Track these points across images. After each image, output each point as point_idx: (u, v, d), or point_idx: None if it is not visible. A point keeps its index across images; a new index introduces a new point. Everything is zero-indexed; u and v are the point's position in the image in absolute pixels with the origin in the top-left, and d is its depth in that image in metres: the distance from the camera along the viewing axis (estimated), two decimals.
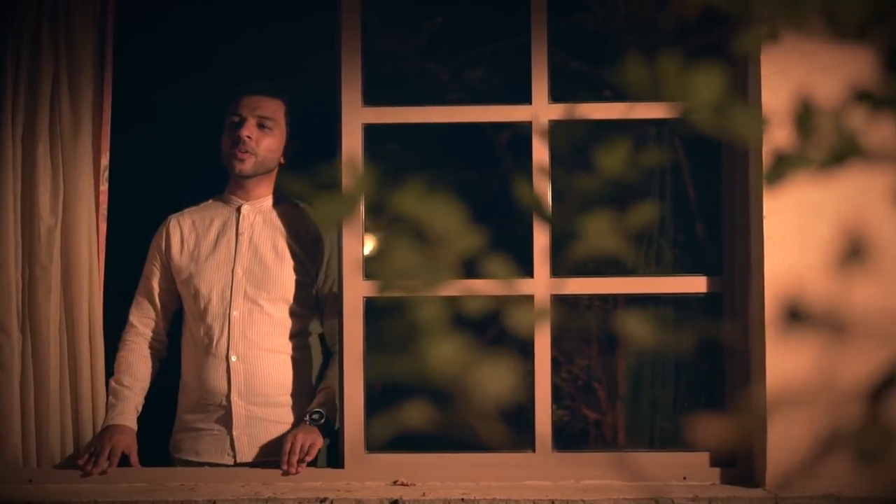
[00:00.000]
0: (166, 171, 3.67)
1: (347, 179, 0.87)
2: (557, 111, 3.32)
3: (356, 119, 3.38)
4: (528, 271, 3.31)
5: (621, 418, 5.89)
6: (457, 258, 0.91)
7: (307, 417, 3.41)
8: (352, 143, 3.36)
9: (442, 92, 5.95)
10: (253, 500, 3.15)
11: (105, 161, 3.43)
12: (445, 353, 0.79)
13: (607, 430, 6.06)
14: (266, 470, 3.37)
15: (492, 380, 0.75)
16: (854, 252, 0.80)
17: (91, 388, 3.42)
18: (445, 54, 5.96)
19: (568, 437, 5.96)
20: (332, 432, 3.42)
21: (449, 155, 5.62)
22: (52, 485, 3.30)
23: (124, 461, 3.36)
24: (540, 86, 3.33)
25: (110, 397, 3.45)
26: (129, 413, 3.43)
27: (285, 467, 3.32)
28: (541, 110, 3.31)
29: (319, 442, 3.37)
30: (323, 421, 3.41)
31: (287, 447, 3.33)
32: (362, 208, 3.34)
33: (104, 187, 3.43)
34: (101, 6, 3.44)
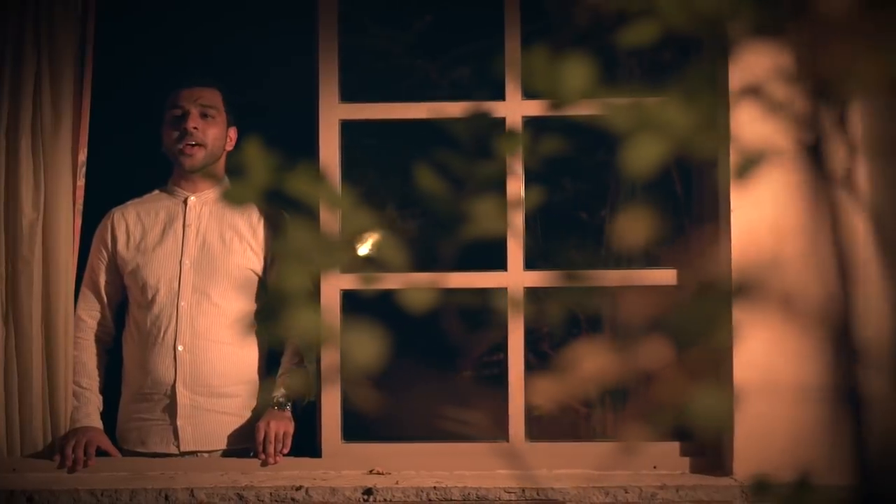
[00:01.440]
0: (139, 169, 3.74)
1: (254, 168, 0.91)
2: (531, 107, 3.38)
3: (333, 115, 3.44)
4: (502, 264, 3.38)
5: (609, 411, 5.93)
6: (348, 239, 0.97)
7: (274, 404, 3.47)
8: (329, 138, 3.43)
9: (432, 89, 5.99)
10: (230, 489, 3.21)
11: (82, 157, 3.49)
12: (307, 322, 0.85)
13: (596, 422, 6.11)
14: (244, 459, 3.43)
15: (356, 348, 0.82)
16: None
17: (64, 378, 3.48)
18: (435, 51, 6.01)
19: (557, 430, 6.00)
20: (296, 417, 3.49)
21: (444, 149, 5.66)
22: (36, 474, 3.37)
23: (101, 455, 3.44)
24: (513, 82, 3.40)
25: (73, 399, 3.50)
26: (93, 414, 3.51)
27: (263, 456, 3.38)
28: (514, 107, 3.38)
29: (291, 428, 3.43)
30: (288, 406, 3.48)
31: (261, 436, 3.39)
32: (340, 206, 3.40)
33: (81, 182, 3.49)
34: (82, 7, 3.51)
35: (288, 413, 3.47)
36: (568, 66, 0.91)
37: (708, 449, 3.34)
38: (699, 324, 0.89)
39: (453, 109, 3.30)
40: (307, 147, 3.46)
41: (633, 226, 0.88)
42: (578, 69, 0.91)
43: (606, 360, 0.87)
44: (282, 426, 3.41)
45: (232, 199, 1.01)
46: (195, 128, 3.53)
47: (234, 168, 1.07)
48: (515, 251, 3.39)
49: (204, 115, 3.56)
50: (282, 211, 3.61)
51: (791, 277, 2.99)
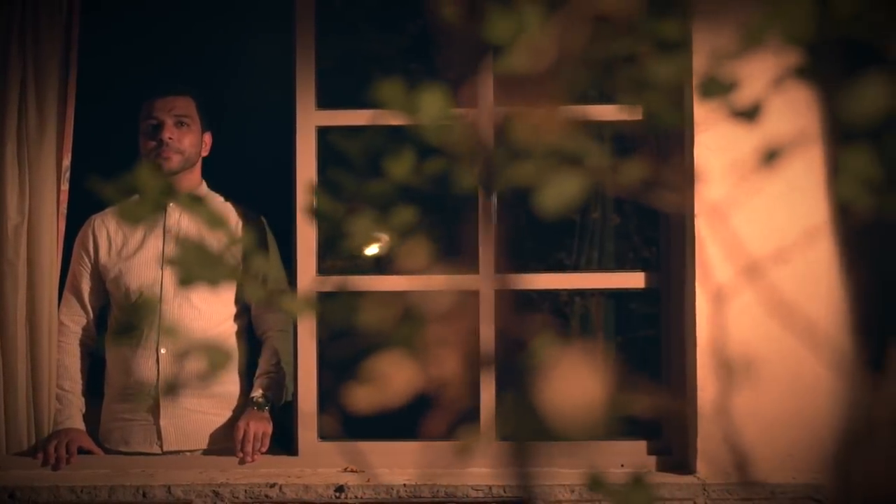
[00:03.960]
0: (122, 173, 3.81)
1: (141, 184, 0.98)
2: (503, 114, 3.46)
3: (310, 121, 3.52)
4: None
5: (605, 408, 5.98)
6: (233, 256, 1.05)
7: (253, 405, 3.56)
8: (305, 144, 3.51)
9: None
10: (206, 486, 3.30)
11: (67, 162, 3.58)
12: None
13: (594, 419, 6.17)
14: (223, 457, 3.52)
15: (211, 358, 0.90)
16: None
17: (48, 378, 3.57)
18: (429, 55, 6.06)
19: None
20: (275, 416, 3.58)
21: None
22: (19, 471, 3.46)
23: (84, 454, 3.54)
24: (485, 89, 3.47)
25: (55, 402, 3.59)
26: (76, 416, 3.60)
27: (241, 455, 3.47)
28: (485, 113, 3.45)
29: (270, 429, 3.52)
30: (268, 406, 3.56)
31: (240, 435, 3.48)
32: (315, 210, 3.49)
33: (65, 187, 3.58)
34: (67, 14, 3.59)
35: (267, 414, 3.55)
36: (423, 94, 0.99)
37: (675, 448, 3.41)
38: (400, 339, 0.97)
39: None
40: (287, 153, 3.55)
41: (414, 252, 0.96)
42: (432, 96, 0.99)
43: (410, 367, 0.95)
44: (261, 427, 3.50)
45: (126, 217, 1.09)
46: (171, 138, 3.62)
47: (130, 190, 1.15)
48: (487, 254, 3.46)
49: (179, 124, 3.64)
50: (260, 216, 3.71)
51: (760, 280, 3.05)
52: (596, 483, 1.14)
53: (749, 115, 1.04)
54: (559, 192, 0.91)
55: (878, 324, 3.14)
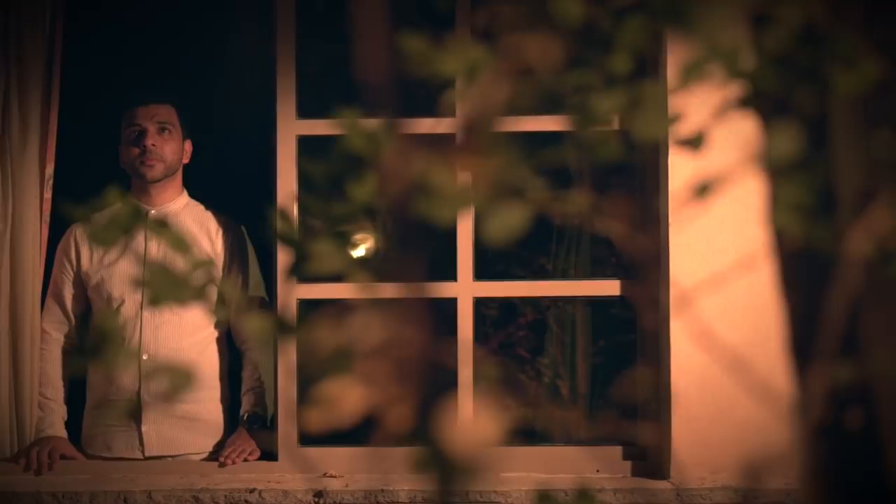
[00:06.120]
0: (104, 181, 3.84)
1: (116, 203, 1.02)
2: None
3: (290, 131, 3.56)
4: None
5: (582, 414, 6.03)
6: (205, 276, 1.10)
7: (245, 424, 3.60)
8: (286, 154, 3.55)
9: (417, 101, 6.07)
10: (187, 491, 3.35)
11: (50, 170, 3.61)
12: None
13: (571, 425, 6.22)
14: (204, 463, 3.57)
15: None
16: None
17: (30, 384, 3.60)
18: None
19: (533, 433, 6.10)
20: (265, 428, 3.63)
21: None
22: (1, 477, 3.49)
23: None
24: (462, 99, 3.51)
25: (37, 409, 3.63)
26: (58, 424, 3.63)
27: (222, 459, 3.52)
28: (463, 123, 3.50)
29: (258, 453, 3.56)
30: (259, 423, 3.62)
31: (228, 448, 3.54)
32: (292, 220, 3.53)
33: (48, 195, 3.62)
34: (50, 23, 3.63)
35: (246, 434, 3.60)
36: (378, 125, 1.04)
37: (649, 453, 3.45)
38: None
39: (418, 126, 3.41)
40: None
41: (388, 263, 1.01)
42: (386, 127, 1.04)
43: (361, 389, 1.00)
44: (249, 446, 3.55)
45: (98, 240, 1.13)
46: (153, 144, 3.65)
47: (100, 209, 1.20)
48: (465, 261, 3.50)
49: (161, 131, 3.68)
50: (241, 226, 3.75)
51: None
52: (543, 498, 1.18)
53: (693, 143, 1.09)
54: (503, 223, 0.95)
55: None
